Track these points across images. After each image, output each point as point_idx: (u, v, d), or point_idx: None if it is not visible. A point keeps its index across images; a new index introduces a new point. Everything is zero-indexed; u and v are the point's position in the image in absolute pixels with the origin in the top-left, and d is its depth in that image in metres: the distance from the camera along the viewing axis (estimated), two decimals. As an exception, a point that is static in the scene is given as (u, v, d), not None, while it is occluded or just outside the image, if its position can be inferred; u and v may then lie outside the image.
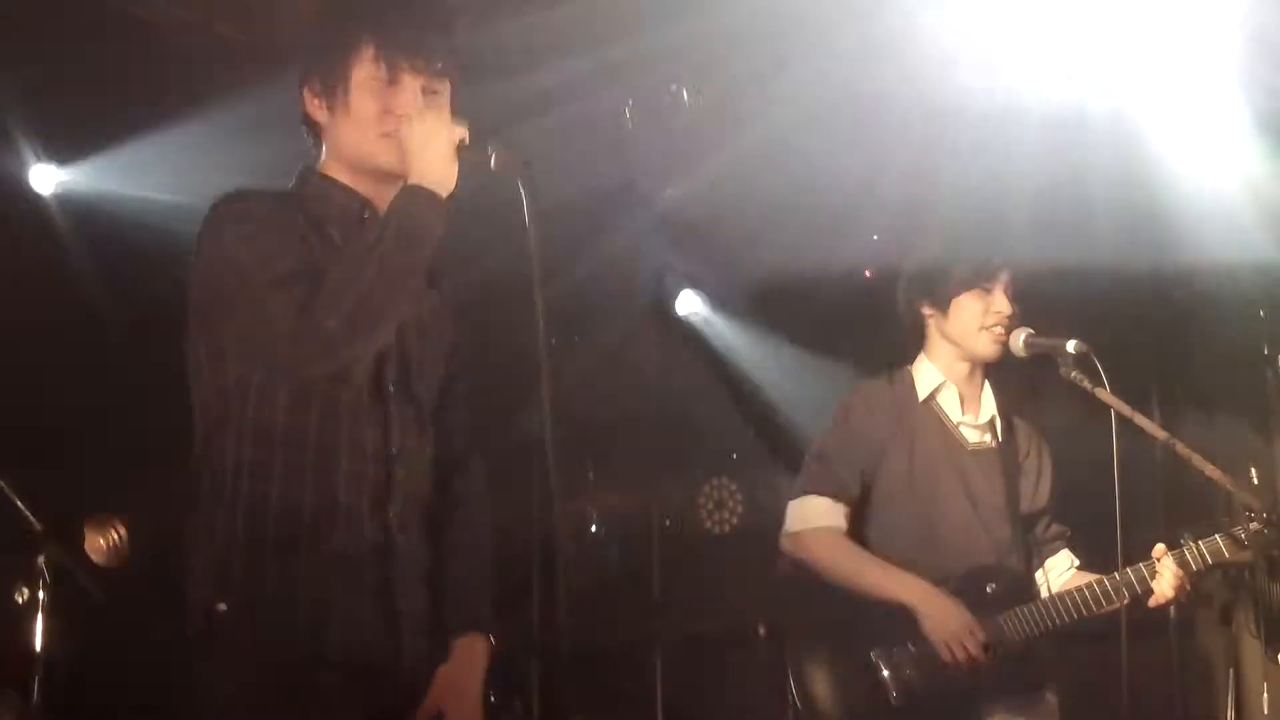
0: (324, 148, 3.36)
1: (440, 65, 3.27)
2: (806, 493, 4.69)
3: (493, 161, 3.12)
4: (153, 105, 6.67)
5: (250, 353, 3.14)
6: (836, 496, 4.64)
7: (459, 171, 3.11)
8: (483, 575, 3.51)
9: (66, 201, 7.21)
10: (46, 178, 7.15)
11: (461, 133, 3.13)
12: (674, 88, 7.04)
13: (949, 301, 4.69)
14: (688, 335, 8.52)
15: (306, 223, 3.25)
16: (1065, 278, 7.14)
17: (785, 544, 4.74)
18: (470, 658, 3.44)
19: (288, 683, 3.11)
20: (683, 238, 8.20)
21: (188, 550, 3.24)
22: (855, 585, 4.56)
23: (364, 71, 3.24)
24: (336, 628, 3.16)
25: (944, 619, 4.43)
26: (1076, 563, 4.76)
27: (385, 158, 3.22)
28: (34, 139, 7.02)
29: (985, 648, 4.44)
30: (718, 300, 8.61)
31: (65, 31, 6.35)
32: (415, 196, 3.07)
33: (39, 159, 7.12)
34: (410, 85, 3.23)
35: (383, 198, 3.24)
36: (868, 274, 7.81)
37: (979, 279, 4.64)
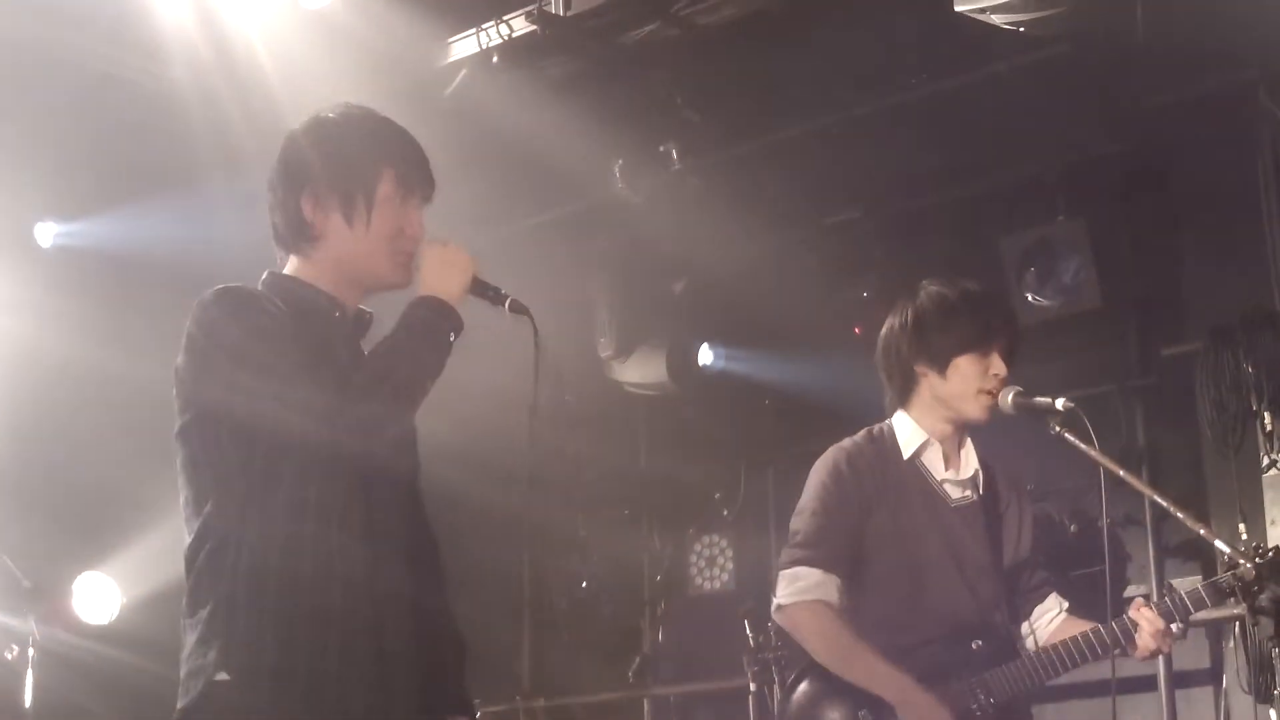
0: (309, 253, 3.47)
1: (431, 188, 3.51)
2: (795, 564, 4.64)
3: (506, 304, 3.45)
4: (151, 171, 6.75)
5: (280, 432, 3.22)
6: (827, 567, 4.58)
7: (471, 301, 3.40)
8: (462, 655, 3.59)
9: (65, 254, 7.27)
10: (47, 233, 7.23)
11: (475, 265, 3.41)
12: (662, 148, 7.15)
13: (947, 362, 4.66)
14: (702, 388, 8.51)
15: (286, 311, 3.35)
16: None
17: (775, 616, 4.70)
18: None
19: None
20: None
21: (189, 619, 3.27)
22: (836, 669, 4.54)
23: (386, 191, 3.42)
24: (333, 698, 3.21)
25: (920, 718, 4.42)
26: (1065, 605, 4.75)
27: (394, 274, 3.43)
28: (38, 195, 7.10)
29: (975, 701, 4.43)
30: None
31: (74, 97, 6.42)
32: (433, 304, 3.34)
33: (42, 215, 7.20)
34: (418, 209, 3.46)
35: (352, 303, 3.47)
36: (857, 330, 7.83)
37: (979, 342, 4.63)
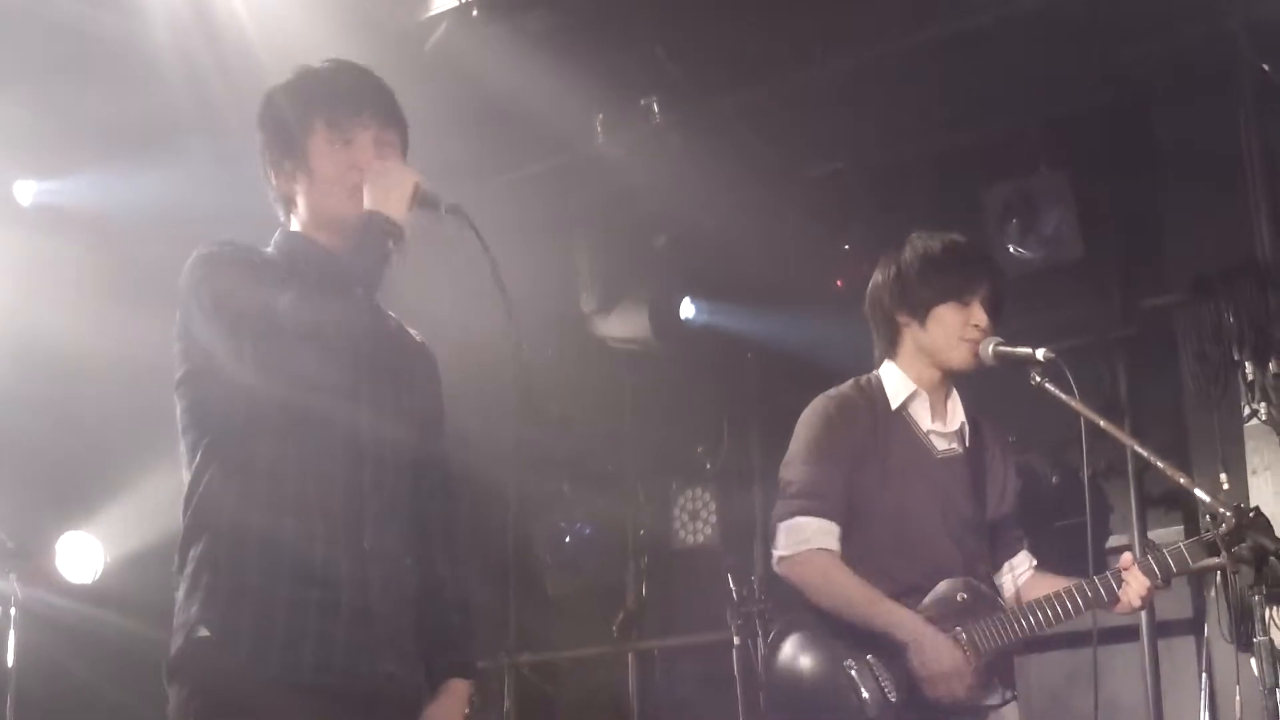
0: (296, 214, 3.59)
1: (385, 117, 3.57)
2: (796, 514, 4.63)
3: (443, 207, 3.46)
4: (131, 130, 6.72)
5: (231, 372, 3.28)
6: (827, 515, 4.58)
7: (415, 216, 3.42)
8: (469, 622, 3.65)
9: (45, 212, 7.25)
10: (26, 190, 7.21)
11: (416, 177, 3.44)
12: (643, 101, 7.13)
13: (928, 312, 4.67)
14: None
15: (283, 265, 3.46)
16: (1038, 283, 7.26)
17: (778, 568, 4.68)
18: (456, 702, 3.60)
19: (262, 705, 3.21)
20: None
21: (178, 573, 3.34)
22: (846, 614, 4.53)
23: (319, 140, 3.52)
24: (308, 655, 3.25)
25: (935, 658, 4.41)
26: (1034, 562, 4.77)
27: (351, 210, 3.44)
28: (16, 154, 7.07)
29: (976, 683, 4.44)
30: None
31: (52, 55, 6.38)
32: (370, 216, 3.37)
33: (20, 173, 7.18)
34: (363, 140, 3.51)
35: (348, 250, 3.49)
36: (839, 283, 7.84)
37: (960, 291, 4.64)
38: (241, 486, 3.30)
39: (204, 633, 3.23)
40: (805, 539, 4.55)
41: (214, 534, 3.29)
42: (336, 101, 3.53)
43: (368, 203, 3.37)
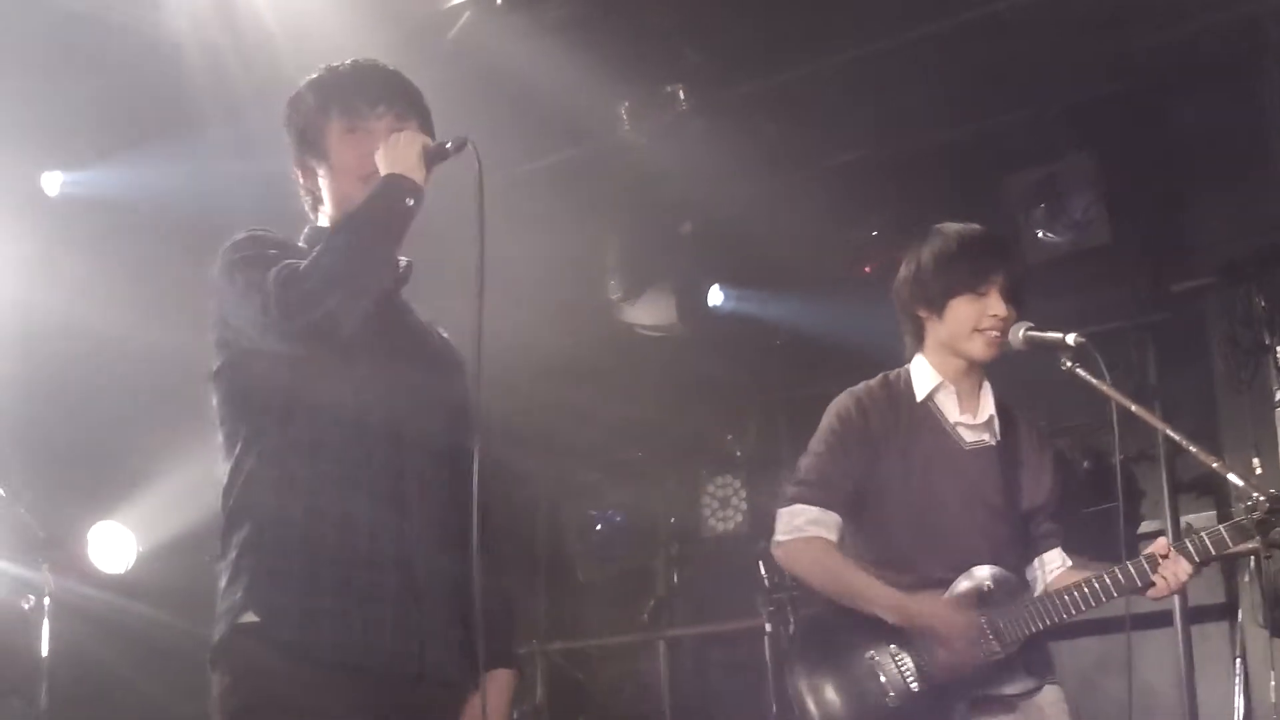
0: (324, 208, 3.63)
1: (402, 106, 3.60)
2: (794, 501, 4.68)
3: (449, 147, 3.44)
4: (154, 119, 6.74)
5: (260, 339, 3.32)
6: (826, 505, 4.61)
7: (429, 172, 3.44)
8: (512, 612, 3.67)
9: (72, 204, 7.28)
10: (54, 182, 7.24)
11: (425, 139, 3.47)
12: (668, 88, 7.12)
13: (944, 304, 4.67)
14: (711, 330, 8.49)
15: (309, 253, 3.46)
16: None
17: (775, 552, 4.74)
18: (501, 691, 3.59)
19: (309, 690, 3.22)
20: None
21: (221, 560, 3.36)
22: (840, 599, 4.57)
23: (336, 131, 3.57)
24: (358, 636, 3.27)
25: (933, 625, 4.43)
26: (1067, 563, 4.74)
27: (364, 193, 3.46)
28: (42, 146, 7.10)
29: (984, 639, 4.43)
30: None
31: (75, 47, 6.40)
32: (388, 179, 3.39)
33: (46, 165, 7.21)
34: (378, 130, 3.54)
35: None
36: (867, 270, 7.82)
37: (974, 282, 4.63)
38: (282, 472, 3.32)
39: (250, 618, 3.24)
40: (800, 526, 4.60)
41: (256, 520, 3.31)
42: (351, 93, 3.57)
43: (382, 169, 3.40)
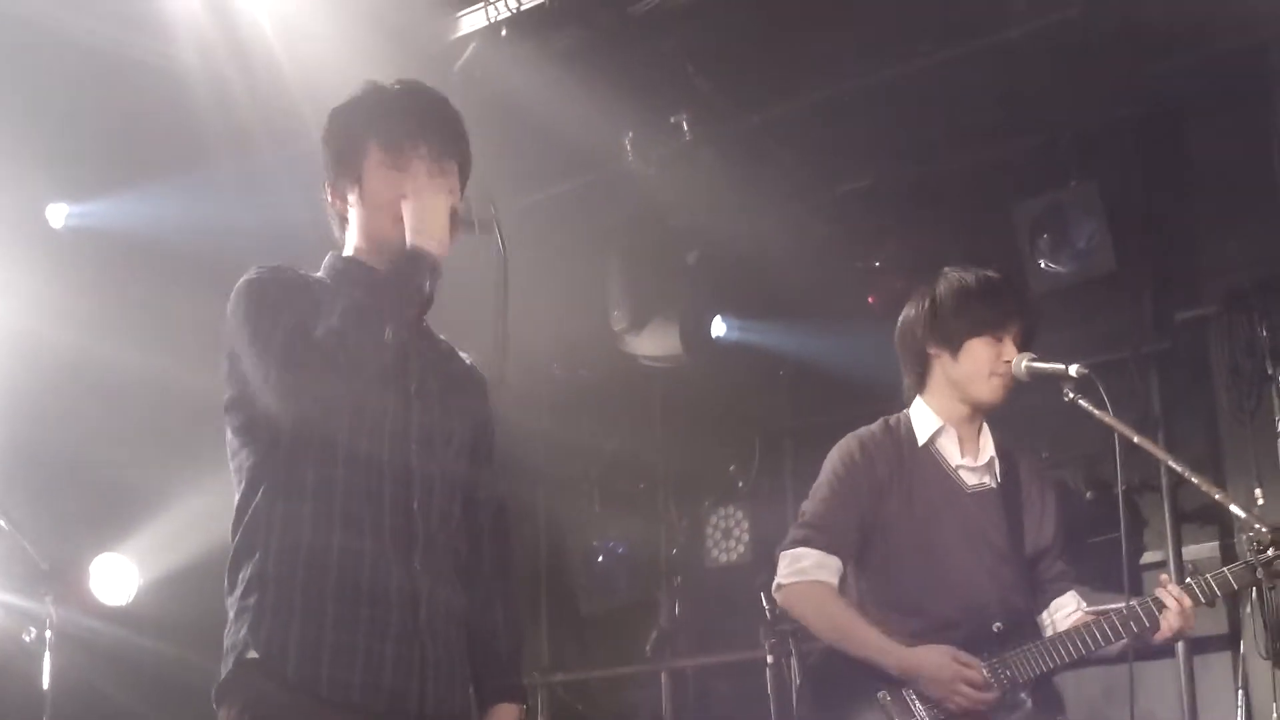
0: (347, 235, 3.60)
1: (443, 144, 3.53)
2: (797, 544, 4.67)
3: (476, 228, 3.44)
4: (161, 152, 6.75)
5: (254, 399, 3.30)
6: (829, 549, 4.61)
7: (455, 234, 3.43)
8: (518, 646, 3.67)
9: (77, 236, 7.30)
10: (59, 214, 7.26)
11: (451, 201, 3.43)
12: (673, 119, 7.14)
13: (960, 344, 4.67)
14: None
15: (327, 288, 3.46)
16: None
17: (776, 595, 4.73)
18: None
19: None
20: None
21: (228, 597, 3.36)
22: (839, 646, 4.57)
23: (373, 161, 3.50)
24: (359, 674, 3.25)
25: (932, 675, 4.42)
26: (1084, 606, 4.73)
27: (396, 236, 3.42)
28: (47, 177, 7.11)
29: (986, 683, 4.41)
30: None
31: (81, 78, 6.42)
32: (411, 257, 3.34)
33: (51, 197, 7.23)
34: (418, 168, 3.48)
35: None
36: (871, 300, 7.82)
37: (994, 326, 4.63)
38: (289, 507, 3.31)
39: (252, 655, 3.23)
40: (803, 569, 4.60)
41: (262, 554, 3.30)
42: (394, 125, 3.51)
43: (408, 237, 3.35)
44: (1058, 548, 4.74)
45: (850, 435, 4.76)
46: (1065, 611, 4.68)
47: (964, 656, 4.42)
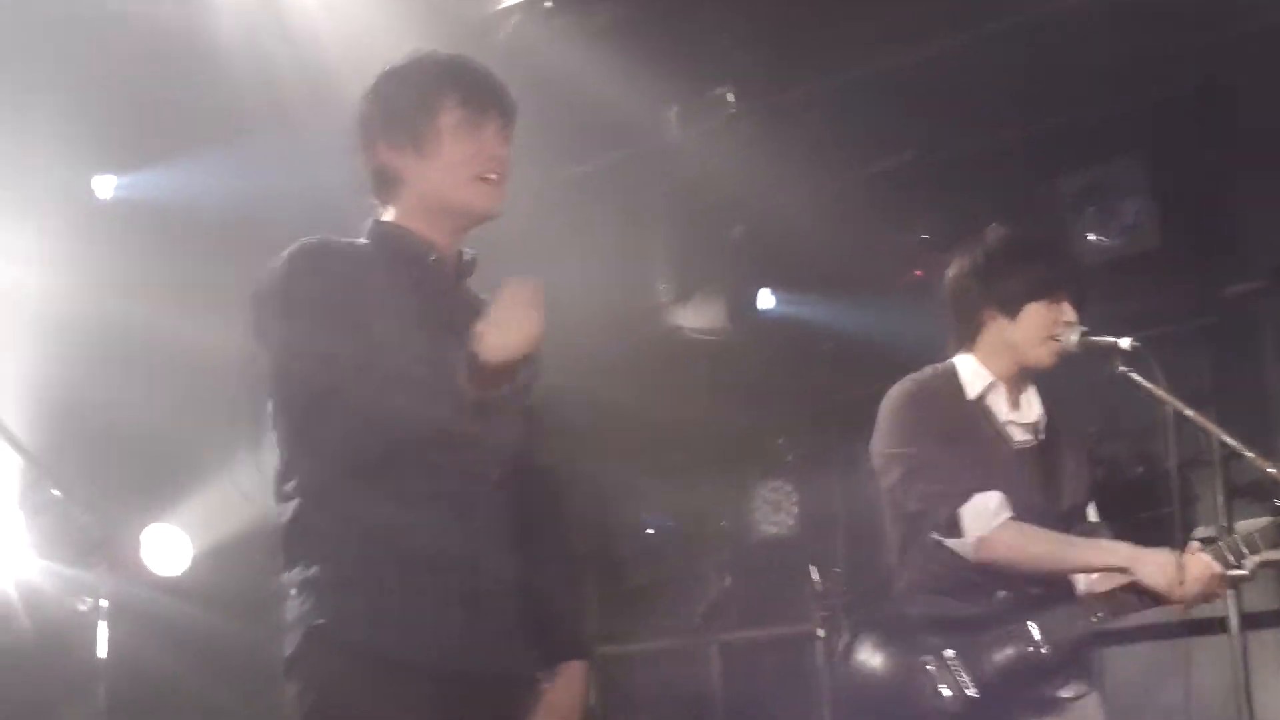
0: (398, 198, 3.49)
1: (510, 113, 3.48)
2: (971, 493, 4.55)
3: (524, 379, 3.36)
4: (204, 123, 6.78)
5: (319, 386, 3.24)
6: (989, 486, 4.48)
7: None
8: (582, 602, 3.64)
9: (123, 207, 7.34)
10: (106, 185, 7.30)
11: (537, 329, 3.12)
12: (716, 92, 7.13)
13: (1019, 307, 4.63)
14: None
15: (380, 262, 3.40)
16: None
17: (979, 552, 4.57)
18: (575, 684, 3.59)
19: (380, 693, 3.22)
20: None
21: (287, 572, 3.35)
22: (1060, 566, 4.48)
23: (451, 117, 3.42)
24: (427, 637, 3.26)
25: (1165, 570, 4.36)
26: None
27: (477, 200, 3.40)
28: (96, 149, 7.15)
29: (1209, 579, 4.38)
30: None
31: (127, 51, 6.45)
32: (491, 373, 3.10)
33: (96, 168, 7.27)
34: (493, 127, 3.43)
35: (449, 246, 3.46)
36: (918, 273, 7.81)
37: (1052, 288, 4.60)
38: (344, 481, 3.28)
39: (320, 622, 3.23)
40: (994, 511, 4.47)
41: (322, 527, 3.29)
42: (472, 85, 3.45)
43: (484, 349, 3.06)
44: (1086, 505, 4.73)
45: (907, 380, 4.66)
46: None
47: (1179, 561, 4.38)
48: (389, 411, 3.18)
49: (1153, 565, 4.34)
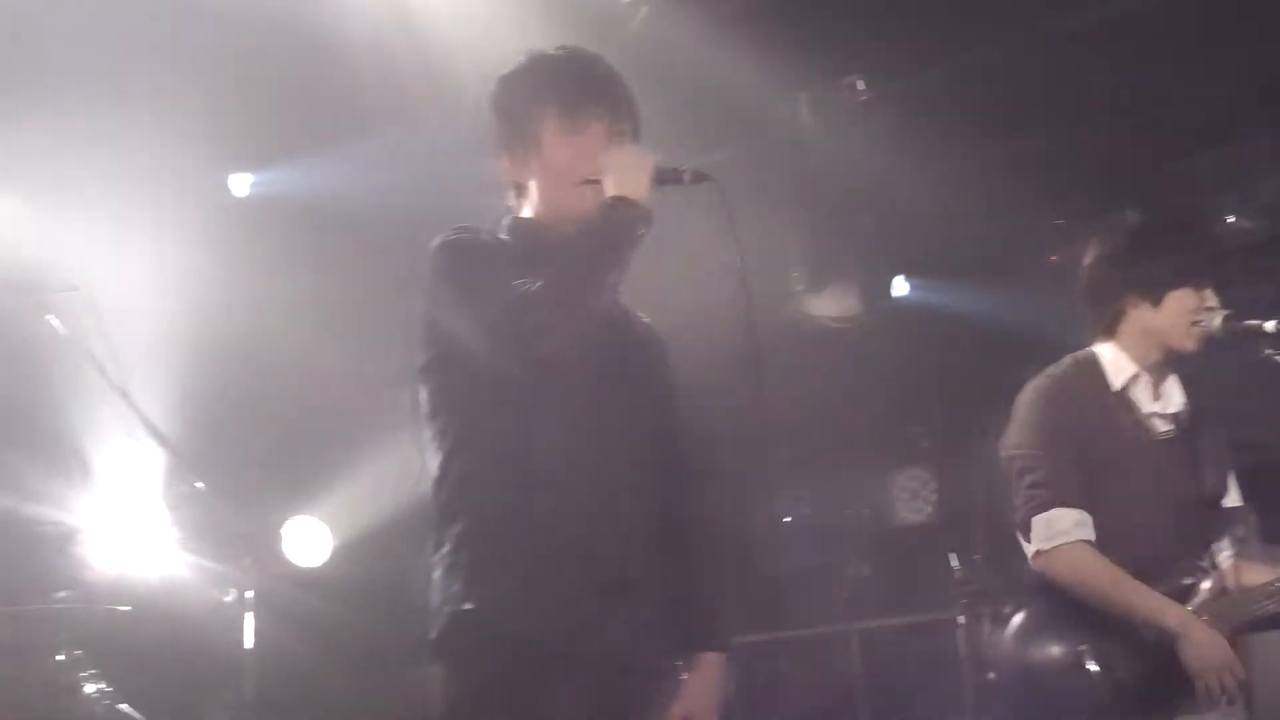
0: (529, 199, 3.60)
1: (619, 107, 3.55)
2: (1052, 505, 4.52)
3: (686, 177, 3.44)
4: (333, 121, 6.86)
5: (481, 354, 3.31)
6: (1080, 505, 4.44)
7: (656, 192, 3.39)
8: (722, 593, 3.70)
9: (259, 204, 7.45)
10: (242, 182, 7.40)
11: (654, 158, 3.39)
12: (847, 79, 7.10)
13: (1164, 294, 4.57)
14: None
15: (518, 255, 3.46)
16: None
17: (1035, 563, 4.54)
18: (714, 673, 3.62)
19: (526, 677, 3.27)
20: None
21: (435, 554, 3.42)
22: (1111, 605, 4.42)
23: (551, 128, 3.52)
24: (573, 626, 3.31)
25: (1209, 650, 4.31)
26: (1232, 550, 4.63)
27: (579, 204, 3.45)
28: (231, 148, 7.26)
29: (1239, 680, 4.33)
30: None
31: (255, 50, 6.54)
32: (617, 202, 3.32)
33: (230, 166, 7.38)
34: (596, 130, 3.50)
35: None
36: (1053, 258, 7.73)
37: (1198, 274, 4.54)
38: (494, 466, 3.35)
39: (468, 606, 3.30)
40: (1064, 530, 4.42)
41: (472, 513, 3.36)
42: (571, 89, 3.53)
43: (611, 189, 3.34)
44: (1222, 494, 4.66)
45: (1042, 376, 4.63)
46: (1224, 554, 4.59)
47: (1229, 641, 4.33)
48: (544, 341, 3.23)
49: (1203, 644, 4.27)
